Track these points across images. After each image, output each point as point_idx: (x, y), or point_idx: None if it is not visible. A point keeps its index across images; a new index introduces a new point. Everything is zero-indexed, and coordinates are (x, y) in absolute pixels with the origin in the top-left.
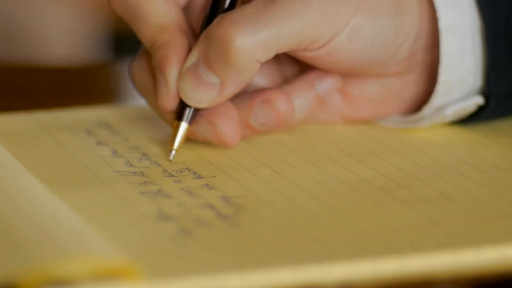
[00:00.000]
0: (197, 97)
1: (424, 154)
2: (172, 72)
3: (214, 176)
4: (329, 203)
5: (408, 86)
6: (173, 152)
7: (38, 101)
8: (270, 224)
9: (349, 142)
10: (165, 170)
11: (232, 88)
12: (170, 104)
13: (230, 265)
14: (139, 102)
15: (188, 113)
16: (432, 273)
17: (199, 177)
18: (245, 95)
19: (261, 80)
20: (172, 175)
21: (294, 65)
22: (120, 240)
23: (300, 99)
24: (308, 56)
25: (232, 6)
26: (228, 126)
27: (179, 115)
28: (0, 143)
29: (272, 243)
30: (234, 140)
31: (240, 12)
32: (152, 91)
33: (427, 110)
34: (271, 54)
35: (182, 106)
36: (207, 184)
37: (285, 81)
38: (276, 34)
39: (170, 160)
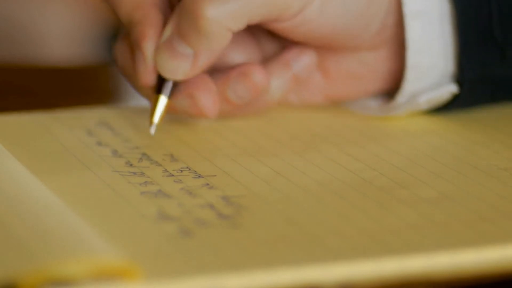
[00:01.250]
0: (172, 68)
1: (425, 154)
2: (148, 46)
3: (215, 176)
4: (329, 203)
5: (383, 61)
6: (154, 125)
7: (38, 101)
8: (270, 224)
9: (350, 142)
10: (165, 169)
11: (205, 58)
12: (148, 78)
13: (230, 265)
14: (139, 102)
15: (166, 86)
16: (432, 273)
17: (199, 177)
18: (222, 70)
19: (240, 58)
20: (172, 175)
21: (273, 43)
22: (120, 240)
23: (276, 79)
24: (280, 27)
25: None
26: (206, 98)
27: (158, 89)
28: (0, 143)
29: (272, 243)
30: (212, 112)
31: None
32: (132, 70)
33: (401, 98)
34: (242, 23)
35: (160, 80)
36: (208, 184)
37: (265, 59)
38: (245, 2)
39: (151, 135)
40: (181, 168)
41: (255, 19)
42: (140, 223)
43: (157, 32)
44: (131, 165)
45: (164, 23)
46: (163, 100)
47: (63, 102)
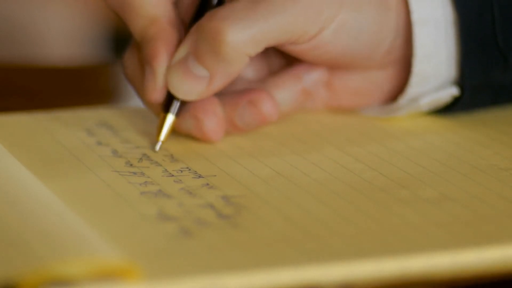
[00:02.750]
0: (186, 89)
1: (425, 154)
2: (160, 65)
3: (215, 176)
4: (329, 203)
5: (389, 79)
6: (159, 143)
7: (38, 101)
8: (270, 224)
9: (350, 142)
10: (166, 170)
11: (220, 81)
12: (157, 96)
13: (230, 265)
14: (139, 102)
15: (175, 105)
16: (432, 273)
17: (199, 177)
18: (232, 93)
19: (248, 73)
20: (173, 175)
21: (281, 58)
22: (120, 240)
23: (286, 91)
24: (295, 49)
25: (221, 1)
26: (211, 122)
27: (166, 107)
28: (0, 143)
29: (272, 243)
30: (217, 136)
31: (231, 7)
32: (141, 83)
33: (402, 100)
34: (260, 48)
35: (169, 98)
36: (208, 184)
37: (272, 74)
38: (266, 28)
39: (155, 151)
40: (181, 168)
41: (273, 43)
42: (140, 223)
43: (170, 51)
44: (131, 165)
45: (178, 41)
46: (170, 119)
47: (63, 102)
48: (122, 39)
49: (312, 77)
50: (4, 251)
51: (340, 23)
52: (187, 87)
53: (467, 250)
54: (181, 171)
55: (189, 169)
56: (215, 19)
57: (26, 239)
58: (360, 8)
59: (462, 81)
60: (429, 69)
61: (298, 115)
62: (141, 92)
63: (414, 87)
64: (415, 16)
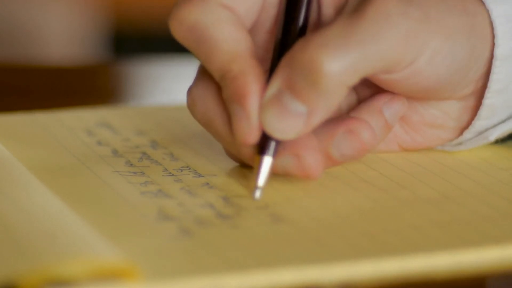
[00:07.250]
0: (284, 128)
1: (424, 155)
2: (253, 103)
3: (215, 175)
4: (329, 203)
5: (468, 110)
6: (260, 189)
7: (38, 101)
8: (270, 224)
9: None
10: (166, 169)
11: (320, 116)
12: (252, 137)
13: (230, 265)
14: (139, 102)
15: (271, 146)
16: (432, 273)
17: (199, 176)
18: (324, 124)
19: (341, 104)
20: (173, 174)
21: (368, 88)
22: (120, 241)
23: (373, 125)
24: (387, 79)
25: (304, 27)
26: (312, 158)
27: (262, 148)
28: (0, 143)
29: (272, 243)
30: (318, 172)
31: (325, 35)
32: (219, 122)
33: (468, 134)
34: (358, 79)
35: (264, 139)
36: (208, 183)
37: (359, 102)
38: (365, 56)
39: (255, 200)
40: (182, 167)
41: (369, 72)
42: (140, 223)
43: (260, 87)
44: (131, 164)
45: (265, 76)
46: (268, 161)
47: (63, 102)
48: (122, 39)
49: (392, 109)
50: (4, 251)
51: (434, 50)
52: (285, 126)
53: (467, 250)
54: (181, 170)
55: (189, 168)
56: (309, 49)
57: (26, 239)
58: (453, 35)
59: None
60: (499, 102)
61: None
62: (219, 132)
63: (482, 119)
64: (498, 51)
